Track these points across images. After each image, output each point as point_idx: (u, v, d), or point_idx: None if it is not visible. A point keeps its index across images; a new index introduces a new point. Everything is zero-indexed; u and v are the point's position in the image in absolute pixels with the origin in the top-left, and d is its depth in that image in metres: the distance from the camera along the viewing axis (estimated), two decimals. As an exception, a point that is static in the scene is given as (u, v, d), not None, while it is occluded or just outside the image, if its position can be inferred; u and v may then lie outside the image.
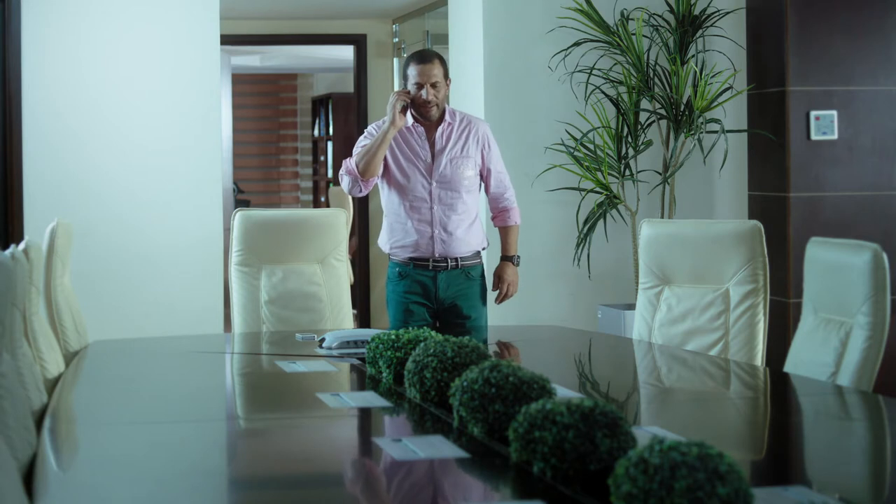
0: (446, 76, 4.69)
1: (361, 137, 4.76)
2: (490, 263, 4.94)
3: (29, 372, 3.13)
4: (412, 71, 4.66)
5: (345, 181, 4.72)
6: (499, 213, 4.90)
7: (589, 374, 4.05)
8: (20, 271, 3.04)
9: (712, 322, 4.32)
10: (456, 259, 4.73)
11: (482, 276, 4.83)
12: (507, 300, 4.89)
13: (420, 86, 4.63)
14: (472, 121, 4.81)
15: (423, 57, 4.69)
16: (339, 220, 5.15)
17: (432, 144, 4.72)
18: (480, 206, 4.94)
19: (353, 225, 9.19)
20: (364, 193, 4.75)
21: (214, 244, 6.37)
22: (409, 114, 4.69)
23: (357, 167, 4.65)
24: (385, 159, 4.70)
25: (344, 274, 5.13)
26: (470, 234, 4.75)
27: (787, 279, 6.02)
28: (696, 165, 6.21)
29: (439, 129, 4.71)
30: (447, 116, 4.73)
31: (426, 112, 4.67)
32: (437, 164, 4.70)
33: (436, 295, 4.72)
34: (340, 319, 5.02)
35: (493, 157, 4.81)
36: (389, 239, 4.78)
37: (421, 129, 4.71)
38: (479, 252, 4.81)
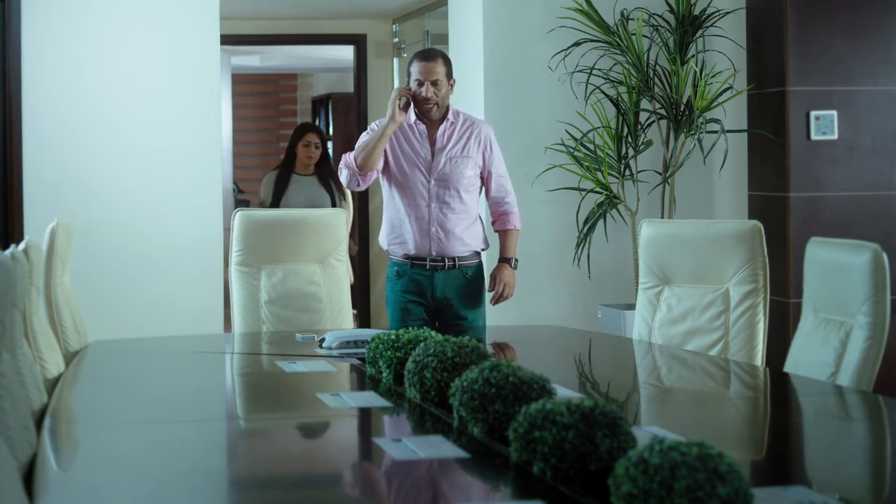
0: (449, 76, 4.71)
1: (363, 134, 4.78)
2: (490, 265, 4.93)
3: (29, 372, 3.13)
4: (414, 68, 4.69)
5: (343, 174, 4.75)
6: (499, 217, 4.88)
7: (589, 374, 4.05)
8: (20, 271, 3.04)
9: (712, 322, 4.32)
10: (453, 259, 4.74)
11: (481, 276, 4.83)
12: (504, 302, 4.88)
13: (420, 83, 4.65)
14: (476, 122, 4.83)
15: (427, 55, 4.72)
16: (338, 220, 5.16)
17: (433, 143, 4.74)
18: (482, 208, 4.94)
19: (354, 225, 9.18)
20: (362, 188, 4.77)
21: (214, 244, 6.37)
22: (411, 111, 4.72)
23: (355, 161, 4.67)
24: (386, 156, 4.73)
25: (344, 274, 5.13)
26: (468, 234, 4.76)
27: (787, 279, 6.02)
28: (696, 165, 6.21)
29: (440, 128, 4.73)
30: (450, 116, 4.75)
31: (426, 110, 4.68)
32: (437, 162, 4.72)
33: (433, 294, 4.73)
34: (340, 319, 5.02)
35: (494, 159, 4.81)
36: (388, 235, 4.80)
37: (423, 126, 4.73)
38: (477, 252, 4.81)
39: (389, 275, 4.83)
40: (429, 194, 4.72)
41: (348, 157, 4.72)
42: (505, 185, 4.85)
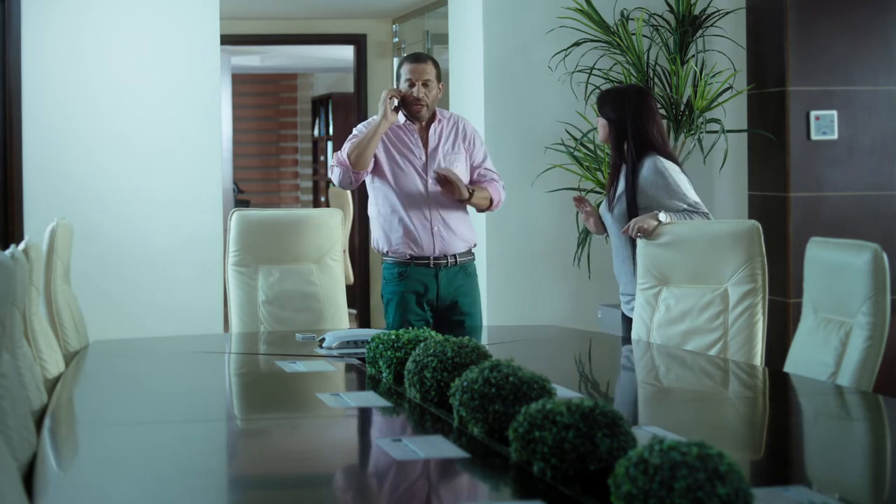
0: (439, 79, 4.80)
1: (351, 135, 4.81)
2: (480, 261, 4.97)
3: (29, 372, 3.13)
4: (405, 69, 4.77)
5: (335, 173, 4.77)
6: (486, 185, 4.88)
7: (589, 374, 4.05)
8: (20, 271, 3.04)
9: (711, 322, 4.32)
10: (454, 255, 4.82)
11: (475, 273, 4.93)
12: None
13: (412, 83, 4.72)
14: (459, 119, 4.93)
15: (417, 57, 4.82)
16: (334, 219, 5.16)
17: (426, 143, 4.80)
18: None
19: (354, 223, 9.19)
20: (354, 186, 4.82)
21: (214, 244, 6.37)
22: (400, 114, 4.76)
23: (349, 158, 4.69)
24: (379, 160, 4.76)
25: (340, 274, 5.13)
26: (465, 230, 4.85)
27: (787, 279, 6.02)
28: (696, 165, 6.20)
29: (433, 128, 4.82)
30: (438, 115, 4.85)
31: (417, 111, 4.74)
32: (433, 161, 4.78)
33: (438, 293, 4.79)
34: (337, 319, 5.02)
35: (479, 152, 4.90)
36: (389, 237, 4.80)
37: (413, 127, 4.81)
38: (471, 248, 4.89)
39: (389, 277, 4.85)
40: (428, 194, 4.75)
41: (341, 155, 4.74)
42: (489, 174, 4.90)
